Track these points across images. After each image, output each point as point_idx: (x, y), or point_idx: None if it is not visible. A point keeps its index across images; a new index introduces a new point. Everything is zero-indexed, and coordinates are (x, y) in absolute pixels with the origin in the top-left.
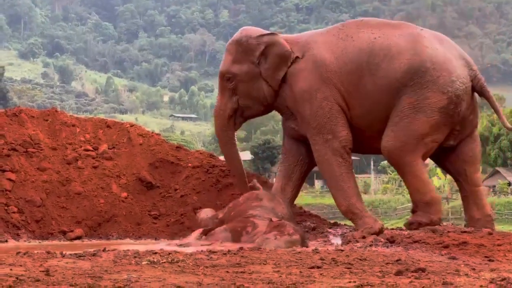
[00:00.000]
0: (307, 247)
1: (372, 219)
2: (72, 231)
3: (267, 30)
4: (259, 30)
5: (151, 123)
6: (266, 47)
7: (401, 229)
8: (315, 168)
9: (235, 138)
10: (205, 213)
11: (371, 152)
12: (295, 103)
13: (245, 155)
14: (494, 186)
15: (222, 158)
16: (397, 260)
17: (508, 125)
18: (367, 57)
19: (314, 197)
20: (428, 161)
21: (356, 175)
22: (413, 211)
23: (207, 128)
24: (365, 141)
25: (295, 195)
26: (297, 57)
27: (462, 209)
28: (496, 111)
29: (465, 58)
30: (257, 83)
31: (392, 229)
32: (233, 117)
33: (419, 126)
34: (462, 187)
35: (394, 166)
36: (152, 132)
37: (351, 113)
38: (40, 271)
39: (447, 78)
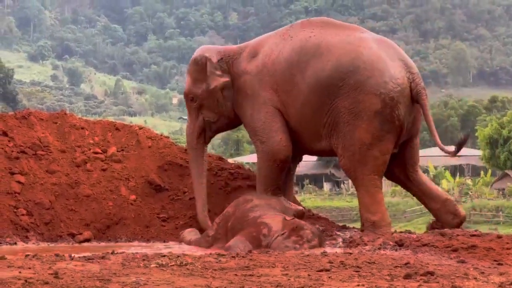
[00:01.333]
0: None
1: None
2: (81, 233)
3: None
4: (215, 48)
5: (160, 125)
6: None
7: (409, 232)
8: (324, 171)
9: (205, 156)
10: (191, 234)
11: (313, 154)
12: (239, 108)
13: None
14: (504, 189)
15: (231, 160)
16: (405, 264)
17: (445, 148)
18: (298, 56)
19: (323, 199)
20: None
21: None
22: (361, 230)
23: None
24: (304, 142)
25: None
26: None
27: (472, 212)
28: (429, 125)
29: (405, 60)
30: (216, 98)
31: (401, 232)
32: (202, 135)
33: (361, 135)
34: (411, 190)
35: (350, 179)
36: (161, 135)
37: (288, 112)
38: (49, 274)
39: (379, 79)
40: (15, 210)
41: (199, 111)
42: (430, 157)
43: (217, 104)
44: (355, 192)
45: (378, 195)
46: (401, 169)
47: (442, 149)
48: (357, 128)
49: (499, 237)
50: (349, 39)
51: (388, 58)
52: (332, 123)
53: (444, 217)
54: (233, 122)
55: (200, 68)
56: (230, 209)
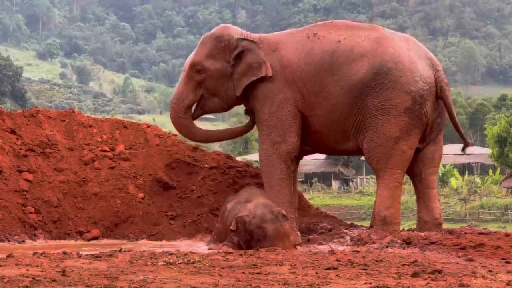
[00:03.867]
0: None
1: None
2: (89, 231)
3: (250, 33)
4: (240, 31)
5: (169, 123)
6: (242, 51)
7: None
8: (332, 169)
9: (194, 124)
10: None
11: (337, 154)
12: (257, 101)
13: None
14: None
15: (239, 159)
16: (413, 262)
17: (467, 140)
18: (329, 59)
19: (332, 198)
20: None
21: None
22: (370, 225)
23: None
24: (330, 143)
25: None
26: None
27: (480, 210)
28: (452, 117)
29: (430, 58)
30: (226, 82)
31: (409, 230)
32: (190, 108)
33: (390, 128)
34: (416, 188)
35: (374, 170)
36: (169, 133)
37: (313, 114)
38: (56, 272)
39: (410, 78)
40: (23, 208)
41: (200, 85)
42: None
43: (223, 86)
44: (364, 190)
45: (396, 191)
46: (418, 162)
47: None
48: (386, 122)
49: (507, 235)
50: (377, 40)
51: (417, 57)
52: (360, 121)
53: (425, 231)
54: (229, 108)
55: (220, 46)
56: (224, 215)
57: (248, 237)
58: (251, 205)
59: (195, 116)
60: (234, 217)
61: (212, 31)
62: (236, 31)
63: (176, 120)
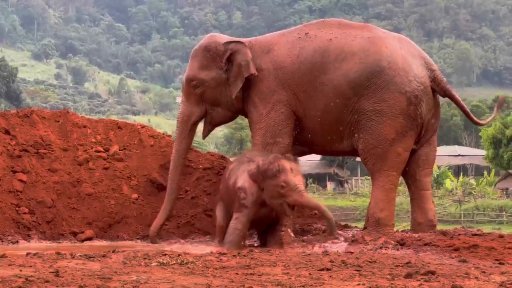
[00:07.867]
0: None
1: None
2: (82, 232)
3: (236, 38)
4: (227, 37)
5: (164, 124)
6: (231, 54)
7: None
8: (327, 170)
9: (188, 149)
10: None
11: (332, 154)
12: (251, 103)
13: None
14: (507, 189)
15: (233, 159)
16: (407, 263)
17: (479, 121)
18: (321, 57)
19: (326, 199)
20: None
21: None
22: (364, 227)
23: (219, 130)
24: (324, 143)
25: None
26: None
27: (475, 212)
28: (462, 108)
29: (425, 58)
30: (224, 89)
31: (403, 231)
32: (197, 124)
33: (385, 130)
34: (410, 189)
35: (369, 172)
36: (163, 134)
37: (307, 114)
38: (49, 272)
39: (404, 78)
40: (17, 208)
41: (201, 99)
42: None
43: (223, 94)
44: (359, 191)
45: (391, 193)
46: (412, 164)
47: (477, 122)
48: (381, 124)
49: (501, 236)
50: (369, 39)
51: (410, 57)
52: (354, 122)
53: (419, 233)
54: (235, 115)
55: (210, 55)
56: (226, 174)
57: (261, 178)
58: (259, 158)
59: (205, 134)
60: (237, 175)
61: (199, 43)
62: (223, 37)
63: (180, 139)
